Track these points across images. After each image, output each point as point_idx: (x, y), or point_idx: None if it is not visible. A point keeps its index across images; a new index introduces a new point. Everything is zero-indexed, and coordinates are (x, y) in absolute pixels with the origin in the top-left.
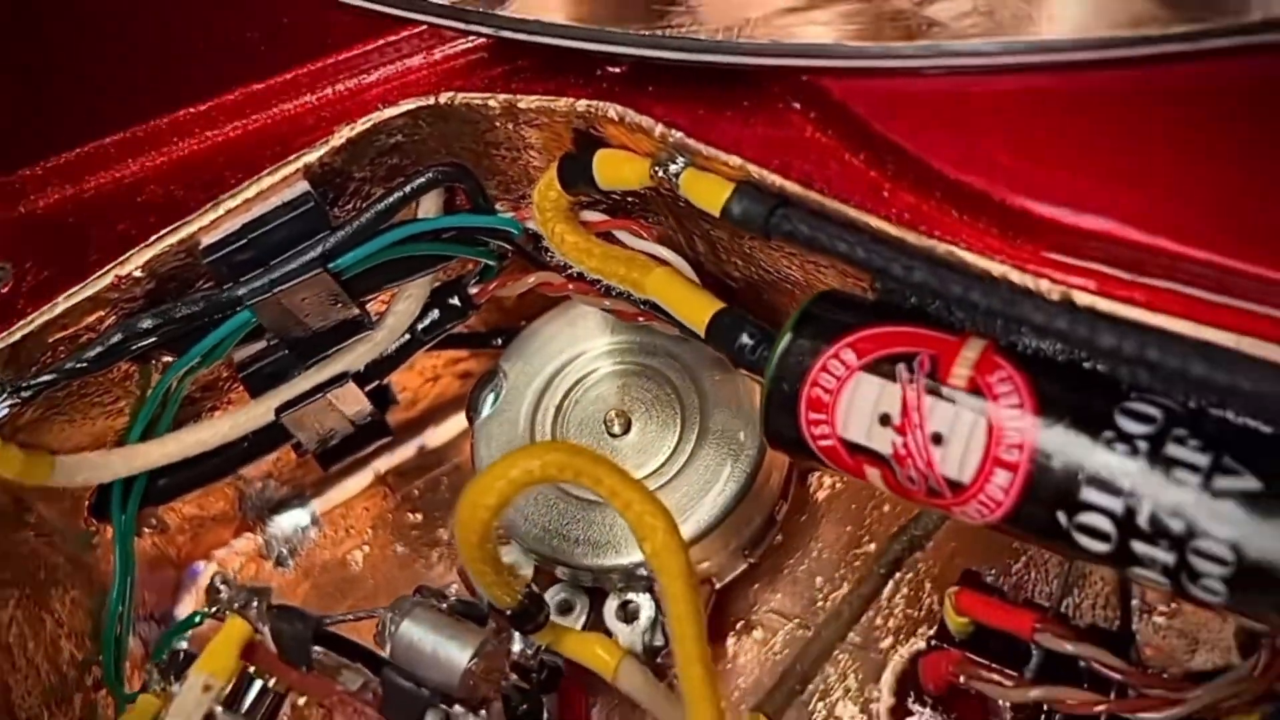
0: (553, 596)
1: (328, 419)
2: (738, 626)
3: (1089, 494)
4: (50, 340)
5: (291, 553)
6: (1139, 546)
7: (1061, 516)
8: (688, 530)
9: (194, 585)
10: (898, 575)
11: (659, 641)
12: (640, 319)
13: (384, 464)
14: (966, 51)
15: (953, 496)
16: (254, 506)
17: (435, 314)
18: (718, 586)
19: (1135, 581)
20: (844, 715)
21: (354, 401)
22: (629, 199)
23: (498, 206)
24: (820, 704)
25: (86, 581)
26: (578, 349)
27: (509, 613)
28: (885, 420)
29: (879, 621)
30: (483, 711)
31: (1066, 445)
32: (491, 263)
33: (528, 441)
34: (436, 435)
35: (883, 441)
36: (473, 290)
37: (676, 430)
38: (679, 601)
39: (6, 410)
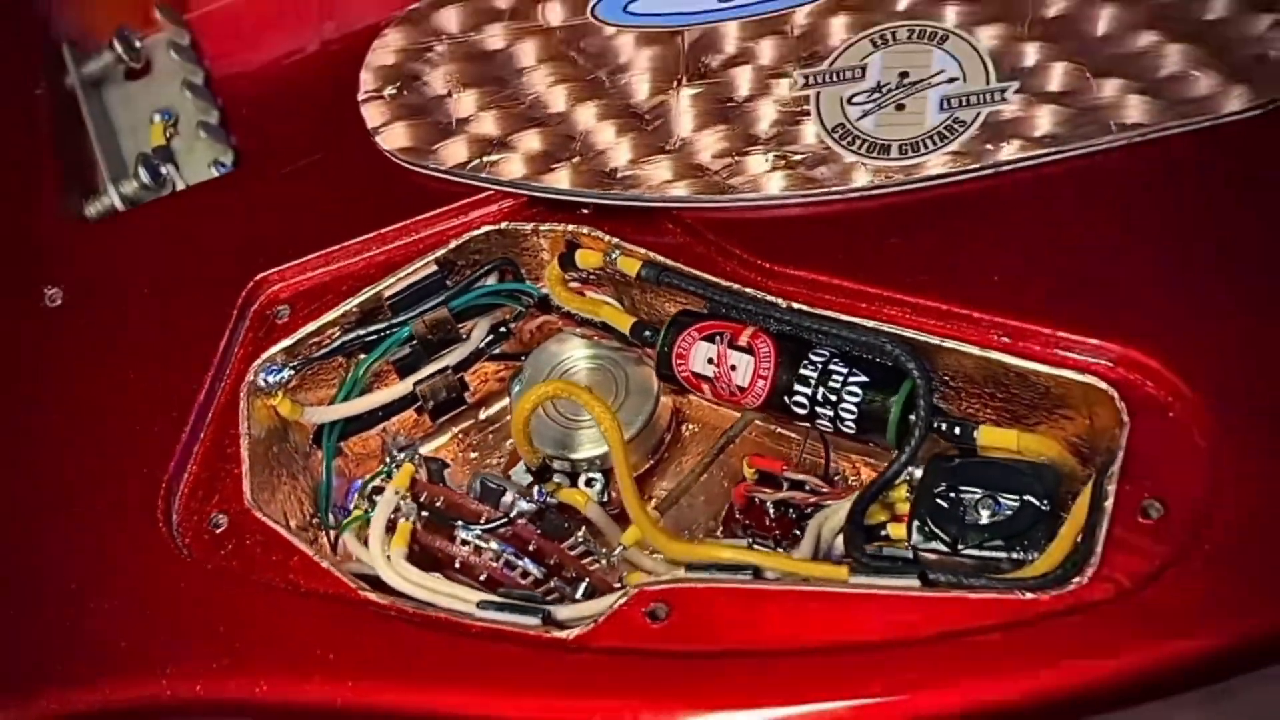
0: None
1: (438, 388)
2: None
3: (798, 389)
4: (310, 342)
5: None
6: (818, 409)
7: (786, 399)
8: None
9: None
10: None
11: (604, 499)
12: (595, 338)
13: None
14: (757, 197)
15: (740, 395)
16: (390, 445)
17: (492, 336)
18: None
19: (815, 428)
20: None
21: (448, 383)
22: (592, 275)
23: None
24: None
25: (310, 477)
26: (564, 355)
27: (533, 469)
28: (710, 361)
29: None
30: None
31: (786, 370)
32: (522, 309)
33: None
34: (485, 410)
35: (709, 370)
36: (513, 325)
37: (615, 389)
38: (619, 460)
39: (289, 375)
